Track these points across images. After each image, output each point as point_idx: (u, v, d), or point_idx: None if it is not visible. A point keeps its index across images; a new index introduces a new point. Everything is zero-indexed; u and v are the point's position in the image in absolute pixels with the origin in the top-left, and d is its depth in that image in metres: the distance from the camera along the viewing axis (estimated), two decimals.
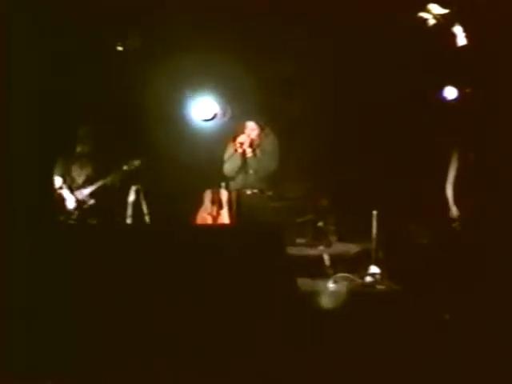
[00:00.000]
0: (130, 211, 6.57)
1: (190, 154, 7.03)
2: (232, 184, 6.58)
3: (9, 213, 4.48)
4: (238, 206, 6.47)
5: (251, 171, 6.49)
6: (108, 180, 6.64)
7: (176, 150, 7.02)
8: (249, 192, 6.45)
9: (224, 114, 6.78)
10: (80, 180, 6.77)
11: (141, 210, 6.66)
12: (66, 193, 6.64)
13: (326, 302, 5.24)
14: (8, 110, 4.41)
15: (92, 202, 6.66)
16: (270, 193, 6.56)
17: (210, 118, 6.85)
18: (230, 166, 6.50)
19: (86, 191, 6.65)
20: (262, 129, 6.61)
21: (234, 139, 6.48)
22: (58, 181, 6.63)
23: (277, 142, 6.58)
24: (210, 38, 6.52)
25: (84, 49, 6.25)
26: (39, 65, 4.67)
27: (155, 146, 6.90)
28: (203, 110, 6.95)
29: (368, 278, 6.21)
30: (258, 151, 6.48)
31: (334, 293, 5.83)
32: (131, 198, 6.59)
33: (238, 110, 6.90)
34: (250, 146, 6.45)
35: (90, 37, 6.32)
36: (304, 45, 6.63)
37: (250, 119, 6.62)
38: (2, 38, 4.41)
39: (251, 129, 6.58)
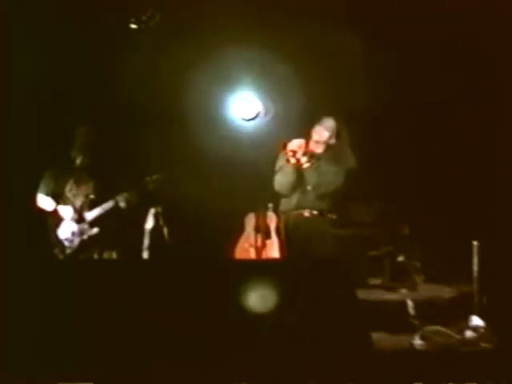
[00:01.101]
0: (147, 242, 5.87)
1: (227, 164, 6.61)
2: (283, 204, 5.92)
3: None
4: (290, 233, 5.79)
5: (309, 187, 5.76)
6: (117, 201, 6.00)
7: (208, 161, 6.60)
8: (306, 214, 5.73)
9: (267, 112, 6.24)
10: (79, 201, 6.12)
11: (162, 240, 5.93)
12: (60, 218, 6.00)
13: (411, 364, 4.60)
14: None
15: (95, 230, 6.00)
16: (334, 216, 5.92)
17: (252, 117, 6.26)
18: (280, 180, 5.81)
19: (88, 216, 5.99)
20: (336, 133, 5.88)
21: (285, 146, 5.69)
22: (49, 203, 6.01)
23: (347, 150, 5.87)
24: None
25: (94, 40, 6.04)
26: (39, 62, 5.05)
27: (180, 155, 6.51)
28: (243, 107, 6.34)
29: (468, 333, 5.57)
30: (319, 161, 5.77)
31: (421, 352, 5.28)
32: (149, 224, 5.92)
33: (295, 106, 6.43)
34: (306, 153, 5.73)
35: (102, 23, 6.00)
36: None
37: (324, 115, 5.89)
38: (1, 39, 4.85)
39: (321, 130, 5.81)
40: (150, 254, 5.92)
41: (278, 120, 6.47)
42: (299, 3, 6.18)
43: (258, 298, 4.31)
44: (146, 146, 6.65)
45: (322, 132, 5.81)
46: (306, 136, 5.82)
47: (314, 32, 6.33)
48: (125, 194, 6.05)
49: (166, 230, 5.96)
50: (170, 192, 6.24)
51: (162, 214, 5.96)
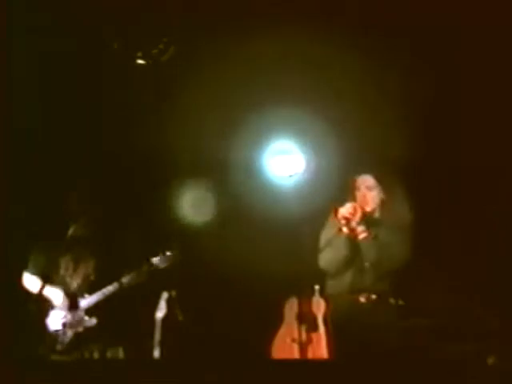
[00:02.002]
0: (158, 336, 5.28)
1: (261, 233, 6.06)
2: (331, 286, 5.30)
3: None
4: (341, 325, 5.13)
5: (367, 264, 5.11)
6: (122, 284, 5.48)
7: (235, 230, 6.03)
8: (362, 300, 5.09)
9: (308, 167, 5.56)
10: (75, 284, 5.61)
11: (176, 333, 5.39)
12: (48, 304, 5.51)
13: None
14: None
15: (93, 322, 5.45)
16: (401, 301, 5.20)
17: (289, 174, 5.58)
18: (329, 255, 5.19)
19: (85, 303, 5.47)
20: (383, 187, 5.28)
21: (336, 211, 5.15)
22: (35, 283, 5.54)
23: (409, 212, 5.19)
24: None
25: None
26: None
27: (202, 222, 6.01)
28: (282, 161, 5.65)
29: None
30: (378, 230, 5.14)
31: None
32: (160, 312, 5.35)
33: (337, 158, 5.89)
34: (363, 219, 5.12)
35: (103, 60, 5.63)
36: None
37: (362, 171, 5.34)
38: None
39: (366, 187, 5.25)
40: (162, 351, 5.30)
41: (321, 176, 5.87)
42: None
43: None
44: (161, 211, 6.11)
45: (368, 179, 5.26)
46: (352, 190, 5.24)
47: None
48: (133, 275, 5.52)
49: (181, 320, 5.43)
50: (189, 271, 5.75)
51: (177, 299, 5.38)
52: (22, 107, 5.58)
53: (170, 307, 5.42)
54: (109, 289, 5.47)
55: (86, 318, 5.46)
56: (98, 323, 5.45)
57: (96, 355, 5.45)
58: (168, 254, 5.61)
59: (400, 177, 5.41)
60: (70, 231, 5.60)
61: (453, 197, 5.96)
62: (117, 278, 5.50)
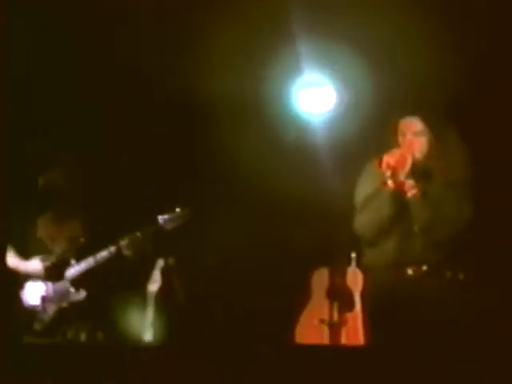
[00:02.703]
0: (150, 314, 4.87)
1: (282, 189, 5.49)
2: (372, 255, 4.79)
3: None
4: (382, 303, 4.66)
5: (416, 228, 4.60)
6: (120, 248, 5.12)
7: (253, 184, 5.52)
8: (410, 272, 4.67)
9: (341, 103, 5.09)
10: (56, 249, 5.31)
11: (173, 312, 5.01)
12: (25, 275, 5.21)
13: None
14: None
15: (81, 295, 5.14)
16: (461, 275, 4.73)
17: (323, 110, 5.07)
18: (369, 216, 4.70)
19: (71, 272, 5.18)
20: (434, 132, 4.69)
21: (380, 161, 4.58)
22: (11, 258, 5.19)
23: (467, 164, 4.69)
24: None
25: None
26: None
27: (216, 174, 5.57)
28: (305, 97, 5.18)
29: None
30: (429, 185, 4.61)
31: None
32: (154, 285, 4.89)
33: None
34: (414, 172, 4.58)
35: None
36: None
37: (408, 112, 4.75)
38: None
39: (413, 133, 4.66)
40: (156, 335, 4.85)
41: (358, 117, 5.36)
42: None
43: None
44: (171, 159, 5.72)
45: (416, 123, 4.71)
46: (395, 137, 4.69)
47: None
48: (133, 237, 5.14)
49: (181, 295, 5.05)
50: (196, 235, 5.33)
51: (177, 268, 4.93)
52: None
53: (166, 279, 4.95)
54: (102, 254, 5.16)
55: (72, 290, 5.20)
56: (88, 297, 5.16)
57: (83, 337, 5.20)
58: (178, 211, 5.18)
59: (455, 121, 4.84)
60: (41, 182, 5.21)
61: None
62: (113, 241, 5.19)
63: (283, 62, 5.66)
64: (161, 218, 5.18)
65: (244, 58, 5.65)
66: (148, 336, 4.90)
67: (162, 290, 4.99)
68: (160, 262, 5.05)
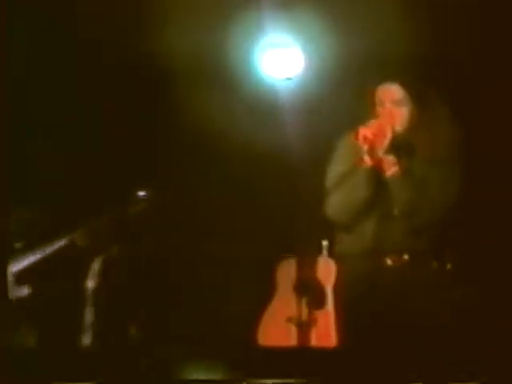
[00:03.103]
0: (89, 317, 4.37)
1: (245, 168, 5.23)
2: (347, 243, 4.45)
3: None
4: (360, 297, 4.31)
5: (396, 211, 4.26)
6: (72, 240, 4.60)
7: (215, 162, 5.26)
8: (389, 262, 4.39)
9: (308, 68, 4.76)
10: None
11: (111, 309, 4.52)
12: None
13: None
14: None
15: (24, 292, 4.78)
16: (449, 265, 4.40)
17: (290, 75, 4.78)
18: (343, 197, 4.36)
19: (15, 266, 4.69)
20: (416, 100, 4.35)
21: (356, 135, 4.26)
22: None
23: (455, 136, 4.36)
24: None
25: None
26: None
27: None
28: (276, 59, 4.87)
29: None
30: (411, 161, 4.28)
31: None
32: (91, 281, 4.46)
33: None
34: (394, 147, 4.25)
35: None
36: None
37: (386, 78, 4.39)
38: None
39: (393, 101, 4.31)
40: (94, 340, 4.34)
41: (328, 84, 5.00)
42: None
43: None
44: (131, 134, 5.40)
45: (395, 90, 4.38)
46: (372, 106, 4.34)
47: None
48: (87, 227, 4.67)
49: (123, 292, 4.61)
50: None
51: (120, 260, 4.45)
52: None
53: (106, 273, 4.45)
54: (52, 247, 4.72)
55: (15, 286, 4.83)
56: (32, 294, 4.82)
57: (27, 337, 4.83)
58: (141, 195, 4.77)
59: (440, 90, 4.49)
60: None
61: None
62: (65, 232, 4.74)
63: (246, 21, 5.29)
64: (122, 203, 5.00)
65: (204, 18, 5.31)
66: (86, 340, 4.43)
67: (99, 286, 4.53)
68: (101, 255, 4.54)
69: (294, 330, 4.69)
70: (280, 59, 4.86)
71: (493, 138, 5.01)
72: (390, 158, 4.20)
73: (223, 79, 5.38)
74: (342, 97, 4.86)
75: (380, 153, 4.21)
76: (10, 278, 4.84)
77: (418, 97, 4.34)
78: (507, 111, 5.12)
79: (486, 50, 5.15)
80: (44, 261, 4.83)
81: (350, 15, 5.05)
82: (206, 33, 5.40)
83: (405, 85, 4.33)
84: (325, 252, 4.80)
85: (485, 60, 5.07)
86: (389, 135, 4.20)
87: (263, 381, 3.81)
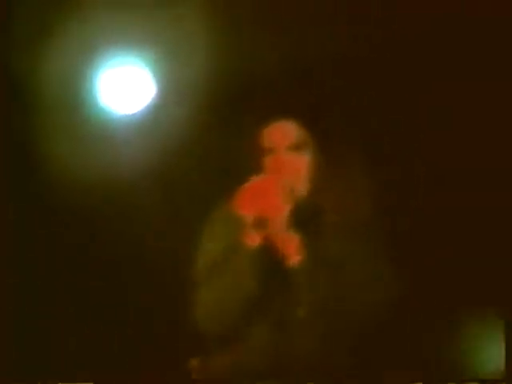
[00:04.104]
0: None
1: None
2: (226, 363, 3.05)
3: None
4: None
5: (301, 311, 2.93)
6: None
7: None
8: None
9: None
10: None
11: None
12: None
13: None
14: None
15: None
16: None
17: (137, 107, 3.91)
18: (221, 293, 2.69)
19: None
20: (327, 148, 3.14)
21: (236, 198, 3.03)
22: None
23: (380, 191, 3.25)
24: None
25: None
26: None
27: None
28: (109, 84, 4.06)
29: None
30: (325, 238, 2.95)
31: None
32: None
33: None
34: (295, 217, 2.97)
35: None
36: None
37: (276, 113, 3.10)
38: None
39: (288, 146, 3.01)
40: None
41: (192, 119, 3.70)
42: None
43: None
44: None
45: (289, 129, 3.01)
46: (258, 155, 2.94)
47: None
48: None
49: None
50: None
51: None
52: None
53: None
54: None
55: None
56: None
57: None
58: None
59: (348, 122, 3.21)
60: None
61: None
62: None
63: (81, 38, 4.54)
64: None
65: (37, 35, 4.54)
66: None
67: None
68: None
69: None
70: (121, 84, 3.75)
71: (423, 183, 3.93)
72: (290, 235, 2.78)
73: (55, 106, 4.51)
74: (211, 142, 3.61)
75: (275, 226, 2.82)
76: None
77: (323, 139, 3.20)
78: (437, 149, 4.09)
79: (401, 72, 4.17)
80: None
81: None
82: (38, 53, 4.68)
83: (304, 122, 3.21)
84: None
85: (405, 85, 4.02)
86: (285, 198, 3.01)
87: None
